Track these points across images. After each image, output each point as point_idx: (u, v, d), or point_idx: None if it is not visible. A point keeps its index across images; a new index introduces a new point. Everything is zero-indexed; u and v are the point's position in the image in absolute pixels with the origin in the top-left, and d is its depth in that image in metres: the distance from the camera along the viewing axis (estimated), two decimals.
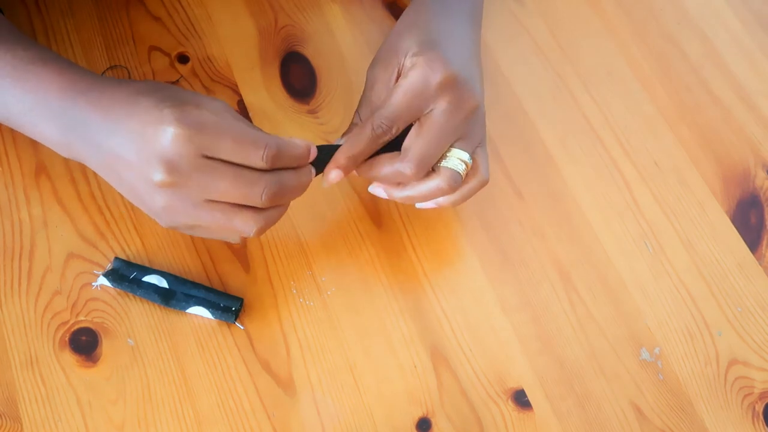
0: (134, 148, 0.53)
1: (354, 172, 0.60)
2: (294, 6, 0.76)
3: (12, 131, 0.68)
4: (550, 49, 0.76)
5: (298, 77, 0.73)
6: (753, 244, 0.69)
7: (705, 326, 0.66)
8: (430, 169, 0.60)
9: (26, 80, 0.57)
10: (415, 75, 0.58)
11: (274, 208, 0.57)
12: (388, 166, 0.59)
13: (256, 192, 0.54)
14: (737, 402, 0.63)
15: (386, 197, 0.62)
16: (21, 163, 0.67)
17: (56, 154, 0.67)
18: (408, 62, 0.59)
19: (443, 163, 0.59)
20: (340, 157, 0.59)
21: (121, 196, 0.66)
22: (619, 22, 0.78)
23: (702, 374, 0.64)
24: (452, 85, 0.58)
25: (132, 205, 0.66)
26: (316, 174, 0.59)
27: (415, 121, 0.59)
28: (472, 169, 0.61)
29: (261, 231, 0.57)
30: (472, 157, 0.61)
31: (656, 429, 0.62)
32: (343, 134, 0.61)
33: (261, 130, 0.57)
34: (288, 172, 0.56)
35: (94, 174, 0.67)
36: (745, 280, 0.68)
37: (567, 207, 0.70)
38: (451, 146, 0.60)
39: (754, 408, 0.63)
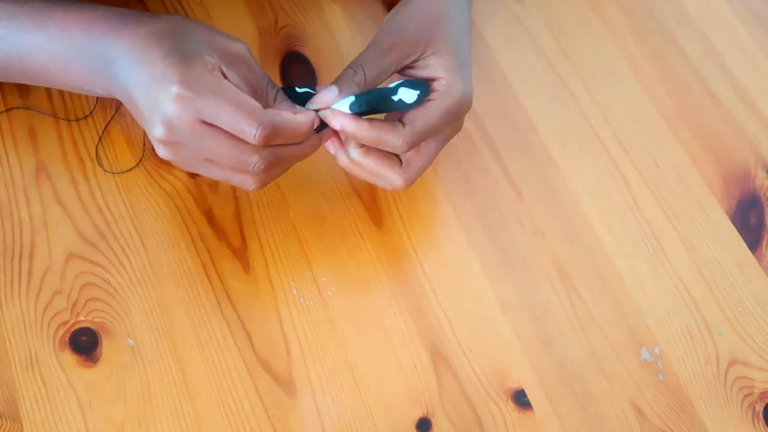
0: (142, 98, 0.55)
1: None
2: (294, 6, 0.76)
3: (11, 130, 0.68)
4: (550, 49, 0.76)
5: (298, 77, 0.73)
6: (753, 244, 0.69)
7: (705, 326, 0.66)
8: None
9: (48, 27, 0.58)
10: (449, 103, 0.60)
11: (273, 169, 0.58)
12: (383, 133, 0.58)
13: (251, 162, 0.56)
14: (737, 402, 0.63)
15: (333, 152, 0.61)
16: (21, 163, 0.67)
17: (56, 154, 0.67)
18: (443, 83, 0.60)
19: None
20: (358, 131, 0.58)
21: (121, 196, 0.66)
22: (619, 22, 0.78)
23: (702, 374, 0.64)
24: (466, 111, 0.62)
25: (132, 205, 0.66)
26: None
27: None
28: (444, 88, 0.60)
29: (260, 187, 0.58)
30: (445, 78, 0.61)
31: (656, 429, 0.62)
32: (335, 81, 0.58)
33: (270, 81, 0.58)
34: (285, 147, 0.57)
35: (94, 174, 0.67)
36: (745, 280, 0.67)
37: (567, 207, 0.70)
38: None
39: (754, 408, 0.63)
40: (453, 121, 0.61)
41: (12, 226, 0.64)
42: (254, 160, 0.55)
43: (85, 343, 0.61)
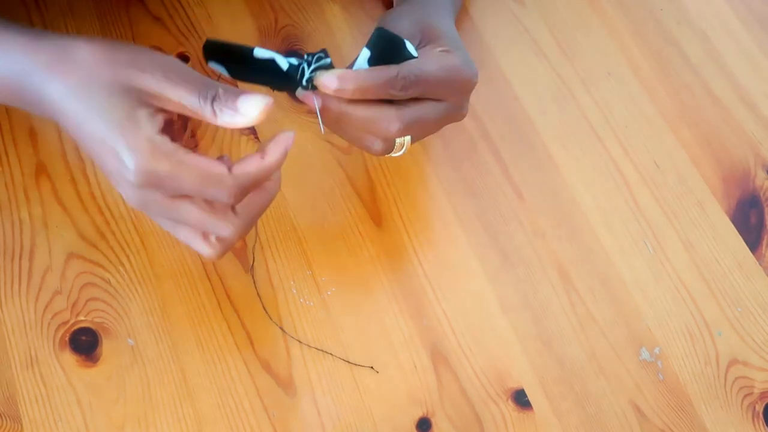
0: (104, 161, 0.51)
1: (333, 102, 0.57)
2: (294, 6, 0.76)
3: (11, 131, 0.68)
4: (550, 49, 0.76)
5: None
6: (753, 244, 0.69)
7: (705, 326, 0.66)
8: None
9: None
10: (449, 63, 0.58)
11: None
12: (377, 111, 0.56)
13: (224, 227, 0.54)
14: (737, 402, 0.63)
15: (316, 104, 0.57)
16: (21, 163, 0.67)
17: (56, 154, 0.67)
18: (455, 57, 0.58)
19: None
20: (348, 81, 0.54)
21: (121, 196, 0.66)
22: (619, 22, 0.79)
23: (702, 374, 0.64)
24: (470, 90, 0.61)
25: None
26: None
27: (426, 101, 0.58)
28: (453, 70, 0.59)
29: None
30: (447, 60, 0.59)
31: (656, 429, 0.62)
32: (348, 66, 0.57)
33: (204, 83, 0.52)
34: (255, 196, 0.55)
35: (95, 174, 0.67)
36: (745, 280, 0.68)
37: (567, 207, 0.70)
38: None
39: (754, 408, 0.63)
40: (453, 87, 0.59)
41: (12, 226, 0.64)
42: (226, 227, 0.54)
43: (85, 343, 0.61)
